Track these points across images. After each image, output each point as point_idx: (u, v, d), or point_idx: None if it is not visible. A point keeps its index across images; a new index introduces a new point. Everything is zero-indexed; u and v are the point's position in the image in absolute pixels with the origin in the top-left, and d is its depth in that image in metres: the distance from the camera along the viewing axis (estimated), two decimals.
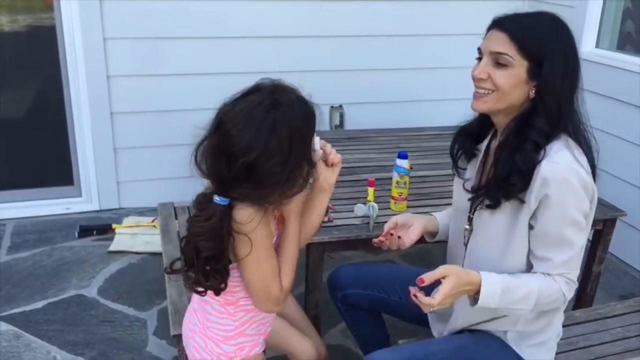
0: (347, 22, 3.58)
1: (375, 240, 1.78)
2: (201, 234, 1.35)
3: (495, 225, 1.52)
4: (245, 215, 1.34)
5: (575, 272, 1.49)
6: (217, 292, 1.45)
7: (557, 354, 1.73)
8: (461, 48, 3.85)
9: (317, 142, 1.48)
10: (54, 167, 3.60)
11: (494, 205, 1.49)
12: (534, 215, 1.45)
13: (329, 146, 1.54)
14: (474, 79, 1.51)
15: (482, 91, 1.49)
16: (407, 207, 2.22)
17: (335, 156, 1.54)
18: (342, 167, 2.85)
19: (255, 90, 1.39)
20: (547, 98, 1.44)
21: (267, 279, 1.43)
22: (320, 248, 2.04)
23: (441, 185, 2.45)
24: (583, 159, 1.45)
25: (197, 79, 3.43)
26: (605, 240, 2.34)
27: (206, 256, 1.37)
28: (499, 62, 1.45)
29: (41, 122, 3.55)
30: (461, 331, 1.70)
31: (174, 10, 3.29)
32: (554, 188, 1.40)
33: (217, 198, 1.34)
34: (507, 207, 1.49)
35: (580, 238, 1.47)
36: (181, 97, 3.44)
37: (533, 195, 1.43)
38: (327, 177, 1.54)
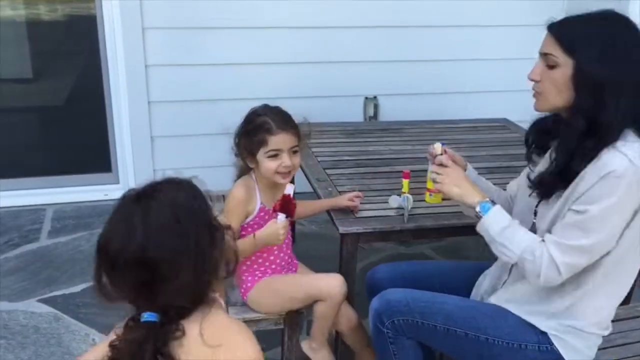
0: (383, 13, 3.55)
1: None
2: (121, 350, 1.13)
3: (547, 213, 1.57)
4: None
5: (565, 257, 1.47)
6: None
7: None
8: (496, 40, 3.79)
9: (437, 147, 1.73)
10: (92, 154, 3.68)
11: (545, 195, 1.56)
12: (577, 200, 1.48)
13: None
14: (529, 79, 1.57)
15: (534, 92, 1.56)
16: (443, 199, 2.20)
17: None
18: (377, 159, 2.87)
19: (119, 201, 1.20)
20: (581, 92, 1.46)
21: None
22: (355, 239, 2.04)
23: None
24: None
25: (234, 68, 3.45)
26: None
27: None
28: (548, 63, 1.51)
29: (80, 110, 3.63)
30: None
31: (211, 0, 3.31)
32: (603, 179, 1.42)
33: (144, 315, 1.13)
34: (554, 198, 1.54)
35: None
36: (217, 86, 3.46)
37: (581, 187, 1.46)
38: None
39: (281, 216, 1.79)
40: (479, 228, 1.61)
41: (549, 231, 1.54)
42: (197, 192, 1.21)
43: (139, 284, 1.11)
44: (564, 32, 1.49)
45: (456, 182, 1.64)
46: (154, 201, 1.14)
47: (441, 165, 1.68)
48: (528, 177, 1.64)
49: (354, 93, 3.66)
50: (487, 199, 1.60)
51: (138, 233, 1.11)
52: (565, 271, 1.48)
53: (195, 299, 1.16)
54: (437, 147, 1.78)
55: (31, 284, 2.75)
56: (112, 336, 1.17)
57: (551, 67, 1.50)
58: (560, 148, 1.52)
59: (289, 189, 1.81)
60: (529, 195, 1.63)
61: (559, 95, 1.50)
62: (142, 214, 1.13)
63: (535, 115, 1.69)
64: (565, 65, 1.47)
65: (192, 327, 1.14)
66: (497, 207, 1.59)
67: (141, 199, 1.15)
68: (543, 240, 1.52)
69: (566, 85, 1.48)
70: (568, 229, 1.47)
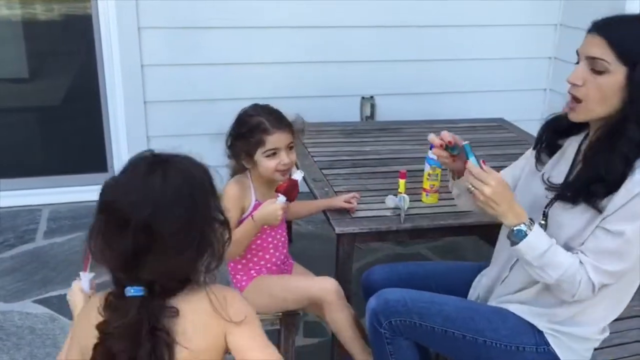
0: (380, 13, 3.54)
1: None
2: (113, 334, 1.10)
3: (570, 222, 1.50)
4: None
5: (600, 277, 1.46)
6: None
7: None
8: (495, 39, 3.79)
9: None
10: (88, 154, 3.67)
11: (572, 202, 1.48)
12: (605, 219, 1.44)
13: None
14: (569, 83, 1.46)
15: (571, 98, 1.46)
16: (439, 199, 2.20)
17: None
18: (374, 159, 2.87)
19: (134, 159, 1.18)
20: (638, 103, 1.39)
21: None
22: (351, 239, 2.04)
23: None
24: None
25: (230, 68, 3.45)
26: None
27: None
28: (595, 68, 1.41)
29: (76, 110, 3.62)
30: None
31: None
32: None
33: (130, 290, 1.10)
34: (584, 208, 1.47)
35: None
36: (214, 86, 3.46)
37: (615, 202, 1.41)
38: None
39: (281, 198, 1.80)
40: (513, 250, 1.52)
41: (571, 241, 1.50)
42: (209, 175, 1.21)
43: (135, 250, 1.08)
44: (619, 36, 1.39)
45: (495, 201, 1.46)
46: (173, 169, 1.13)
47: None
48: (547, 180, 1.59)
49: (351, 93, 3.66)
50: (522, 224, 1.47)
51: (154, 197, 1.09)
52: (598, 289, 1.48)
53: (183, 279, 1.15)
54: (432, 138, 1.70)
55: (27, 285, 2.74)
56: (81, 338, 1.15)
57: (599, 72, 1.40)
58: (603, 156, 1.42)
59: (298, 175, 1.83)
60: (547, 197, 1.57)
61: (602, 102, 1.42)
62: (162, 178, 1.11)
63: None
64: (617, 72, 1.39)
65: (183, 304, 1.14)
66: (534, 232, 1.47)
67: (159, 163, 1.14)
68: (580, 262, 1.46)
69: (615, 93, 1.40)
70: (605, 255, 1.44)
